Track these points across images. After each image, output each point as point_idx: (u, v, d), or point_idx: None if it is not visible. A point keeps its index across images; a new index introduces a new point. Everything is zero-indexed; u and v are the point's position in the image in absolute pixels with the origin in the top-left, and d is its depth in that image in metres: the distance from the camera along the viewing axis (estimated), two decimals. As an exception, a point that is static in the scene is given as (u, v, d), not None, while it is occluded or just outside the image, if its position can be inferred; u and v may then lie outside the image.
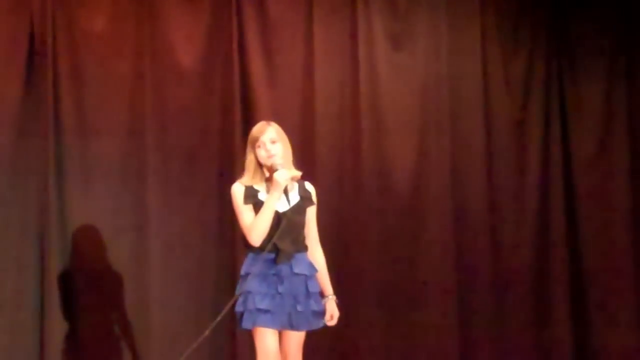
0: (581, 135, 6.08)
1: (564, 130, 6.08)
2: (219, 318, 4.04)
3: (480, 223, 5.85)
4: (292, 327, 3.98)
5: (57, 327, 5.24)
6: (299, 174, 4.06)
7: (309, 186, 4.17)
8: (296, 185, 4.11)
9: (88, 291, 5.35)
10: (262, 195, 4.02)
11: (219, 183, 5.59)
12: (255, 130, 4.10)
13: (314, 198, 4.16)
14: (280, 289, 3.95)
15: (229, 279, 5.48)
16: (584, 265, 5.96)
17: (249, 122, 5.55)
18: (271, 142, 4.02)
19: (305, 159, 5.07)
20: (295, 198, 4.07)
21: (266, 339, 3.94)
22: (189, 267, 5.51)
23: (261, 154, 4.03)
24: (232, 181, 5.36)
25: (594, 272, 5.93)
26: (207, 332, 4.07)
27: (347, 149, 5.79)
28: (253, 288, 3.95)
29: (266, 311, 3.92)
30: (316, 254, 4.13)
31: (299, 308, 3.97)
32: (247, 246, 4.04)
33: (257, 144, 4.04)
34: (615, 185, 6.04)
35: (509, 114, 6.04)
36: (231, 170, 5.54)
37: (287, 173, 3.96)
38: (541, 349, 5.87)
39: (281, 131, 4.09)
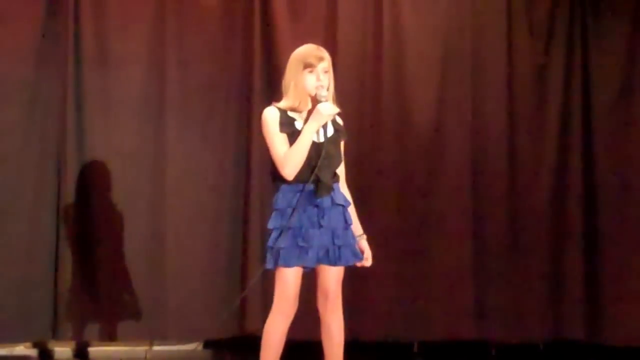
0: (603, 80, 5.99)
1: (585, 76, 6.00)
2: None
3: (499, 165, 5.84)
4: (330, 262, 3.71)
5: (71, 257, 5.34)
6: (338, 110, 3.74)
7: (339, 119, 3.87)
8: None
9: (104, 222, 5.43)
10: (299, 125, 3.71)
11: (238, 118, 5.63)
12: (309, 54, 3.72)
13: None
14: (323, 222, 3.67)
15: (244, 210, 5.57)
16: (600, 211, 5.92)
17: (269, 61, 5.58)
18: (324, 71, 3.71)
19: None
20: (330, 130, 3.77)
21: (292, 282, 3.66)
22: (206, 200, 5.56)
23: (309, 81, 3.69)
24: (251, 118, 5.50)
25: (608, 218, 5.91)
26: (254, 279, 4.05)
27: (368, 91, 5.75)
28: (293, 223, 3.64)
29: (306, 249, 3.65)
30: (345, 192, 3.85)
31: (337, 242, 3.71)
32: (278, 178, 3.70)
33: (310, 69, 3.69)
34: (634, 130, 5.97)
35: (531, 58, 5.98)
36: (249, 105, 5.57)
37: (332, 108, 3.66)
38: (554, 283, 5.88)
39: (331, 62, 3.77)
